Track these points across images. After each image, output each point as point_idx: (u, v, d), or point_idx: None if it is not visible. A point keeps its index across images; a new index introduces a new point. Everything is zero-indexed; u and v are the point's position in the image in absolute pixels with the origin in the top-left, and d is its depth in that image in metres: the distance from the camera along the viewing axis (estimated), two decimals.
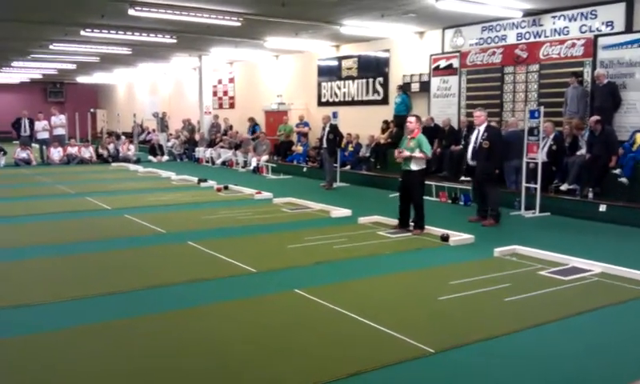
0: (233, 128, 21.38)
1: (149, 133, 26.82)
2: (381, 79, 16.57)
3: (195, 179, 14.61)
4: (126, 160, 20.40)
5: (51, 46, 18.42)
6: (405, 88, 15.40)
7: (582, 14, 11.53)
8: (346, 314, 5.02)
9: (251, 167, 17.51)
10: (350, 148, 15.80)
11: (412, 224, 8.57)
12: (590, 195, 10.10)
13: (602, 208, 9.67)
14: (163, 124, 24.42)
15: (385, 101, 16.39)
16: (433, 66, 14.78)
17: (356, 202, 11.13)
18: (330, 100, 18.41)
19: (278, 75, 21.04)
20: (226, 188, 13.12)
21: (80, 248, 7.54)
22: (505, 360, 4.19)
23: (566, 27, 11.85)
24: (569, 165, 10.75)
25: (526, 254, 7.17)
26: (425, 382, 3.88)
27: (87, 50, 18.94)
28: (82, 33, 14.97)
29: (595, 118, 10.38)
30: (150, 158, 21.03)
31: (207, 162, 20.06)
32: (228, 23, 13.37)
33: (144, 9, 11.98)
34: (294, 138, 18.94)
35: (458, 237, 8.00)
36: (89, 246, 7.69)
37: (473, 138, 9.44)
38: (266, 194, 12.05)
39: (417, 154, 8.38)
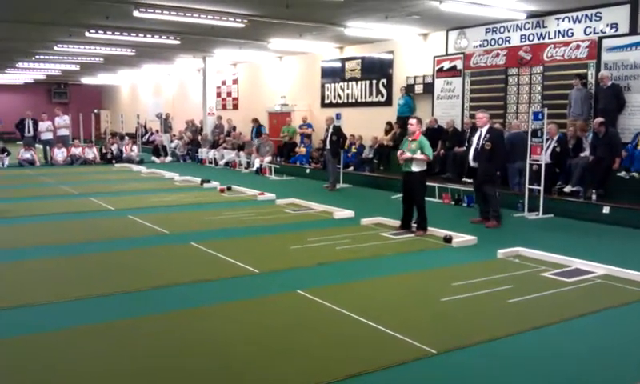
0: (236, 129, 21.41)
1: (152, 134, 26.92)
2: (384, 81, 16.56)
3: (198, 180, 14.62)
4: (130, 161, 20.44)
5: (55, 47, 18.49)
6: (408, 90, 15.42)
7: (586, 15, 11.51)
8: (349, 315, 5.02)
9: (254, 168, 17.53)
10: (354, 149, 15.81)
11: (415, 225, 8.57)
12: (594, 197, 10.09)
13: (606, 210, 9.65)
14: (167, 125, 24.51)
15: (388, 102, 16.39)
16: (436, 68, 14.77)
17: (359, 204, 11.12)
18: (334, 101, 18.42)
19: (281, 76, 21.05)
20: (229, 189, 13.13)
21: (83, 248, 7.55)
22: (507, 361, 4.18)
23: (570, 29, 11.83)
24: (572, 167, 10.74)
25: (529, 256, 7.15)
26: (427, 383, 3.88)
27: (91, 51, 18.98)
28: (87, 34, 15.00)
29: (599, 119, 10.37)
30: (154, 158, 21.06)
31: (210, 162, 20.09)
32: (232, 25, 13.40)
33: (149, 10, 12.02)
34: (298, 139, 18.96)
35: (460, 238, 7.99)
36: (92, 246, 7.70)
37: (475, 139, 9.45)
38: (269, 195, 12.06)
39: (418, 155, 8.38)
